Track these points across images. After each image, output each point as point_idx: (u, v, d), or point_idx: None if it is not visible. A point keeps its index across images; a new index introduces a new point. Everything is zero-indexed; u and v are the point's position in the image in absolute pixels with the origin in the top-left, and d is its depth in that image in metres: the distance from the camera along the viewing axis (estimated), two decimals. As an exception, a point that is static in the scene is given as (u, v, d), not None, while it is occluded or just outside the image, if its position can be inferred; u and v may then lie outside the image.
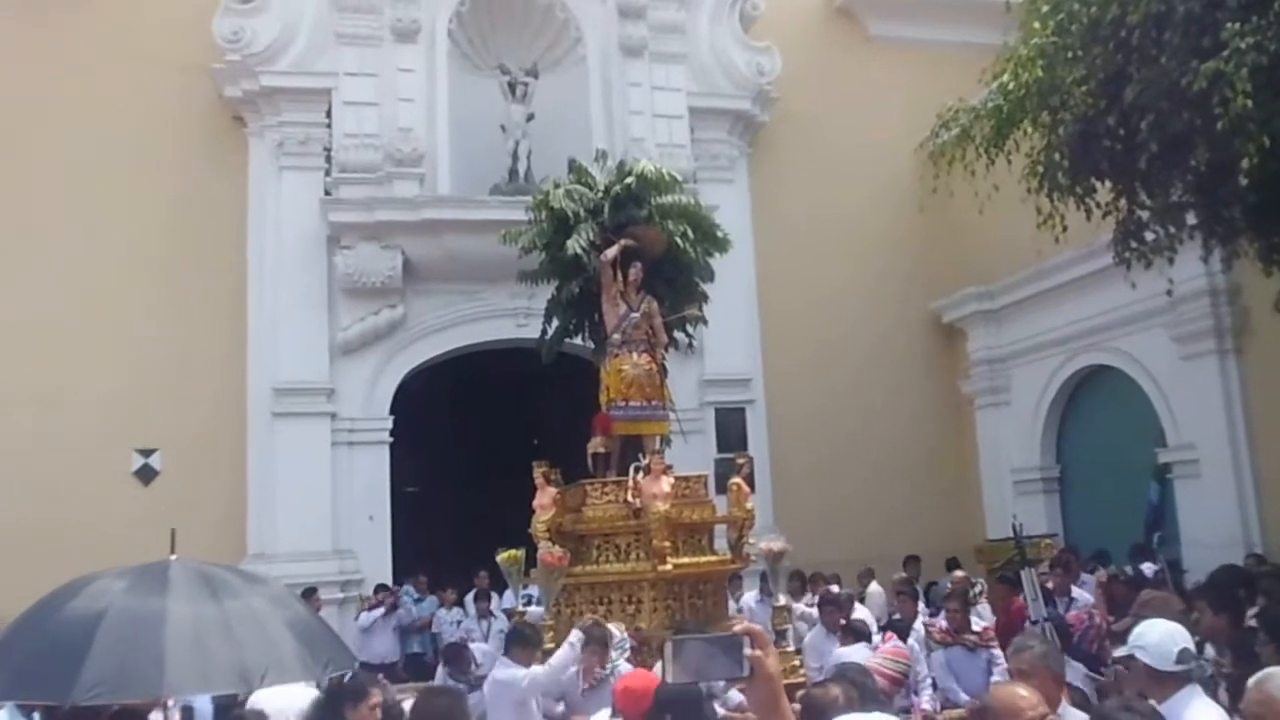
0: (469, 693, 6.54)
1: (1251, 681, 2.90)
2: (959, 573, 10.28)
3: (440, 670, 8.37)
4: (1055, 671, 4.03)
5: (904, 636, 7.74)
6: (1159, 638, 3.85)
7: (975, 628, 7.57)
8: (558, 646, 6.86)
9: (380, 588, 11.69)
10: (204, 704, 6.17)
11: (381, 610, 11.33)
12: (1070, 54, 8.20)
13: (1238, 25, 6.60)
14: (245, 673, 3.61)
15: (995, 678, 6.86)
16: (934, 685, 7.28)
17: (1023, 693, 3.13)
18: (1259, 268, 8.43)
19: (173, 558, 4.05)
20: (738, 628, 2.01)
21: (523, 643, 6.39)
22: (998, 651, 7.08)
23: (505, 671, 6.23)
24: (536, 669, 6.16)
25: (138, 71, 12.68)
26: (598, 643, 6.32)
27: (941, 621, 7.65)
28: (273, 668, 3.68)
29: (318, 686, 4.55)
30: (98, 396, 11.88)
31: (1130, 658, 3.90)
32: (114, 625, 3.55)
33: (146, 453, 12.16)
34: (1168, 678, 3.78)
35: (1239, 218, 7.84)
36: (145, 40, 12.77)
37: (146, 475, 12.16)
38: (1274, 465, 10.44)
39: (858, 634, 7.47)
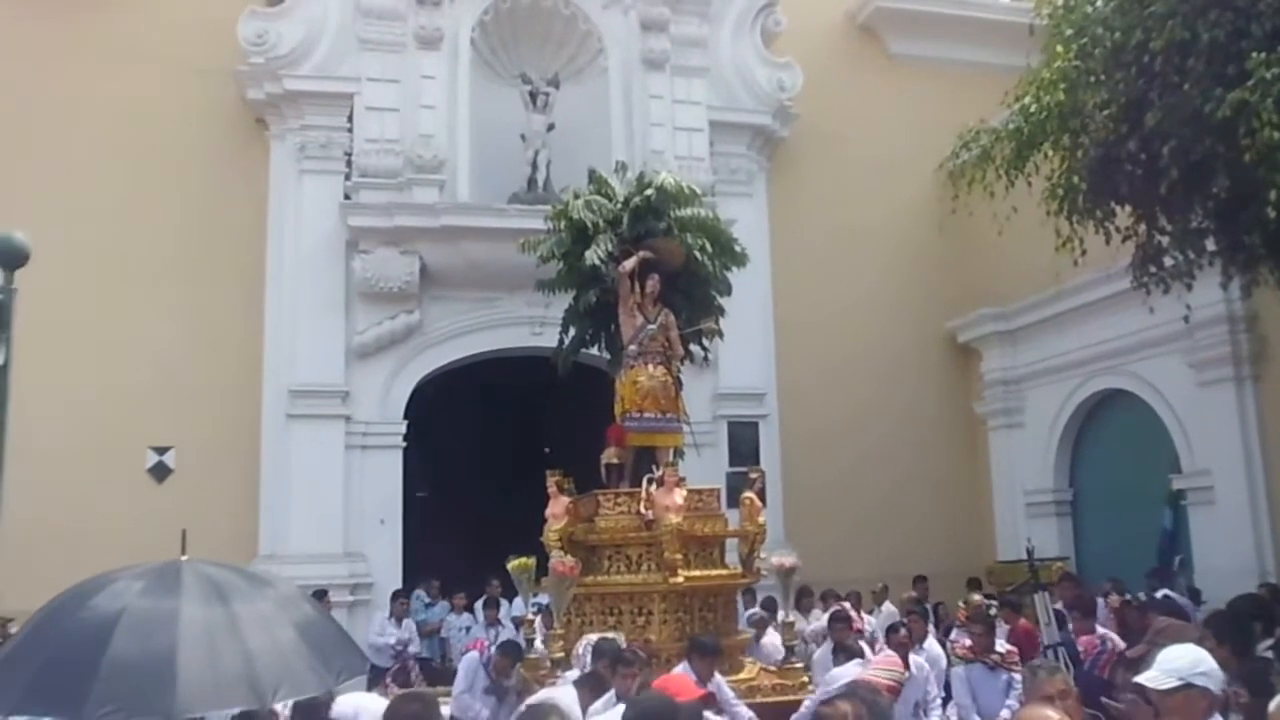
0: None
1: (1273, 705, 2.89)
2: (976, 596, 10.12)
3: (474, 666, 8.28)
4: (1079, 696, 4.05)
5: (906, 653, 7.70)
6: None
7: (999, 649, 7.54)
8: (567, 656, 6.88)
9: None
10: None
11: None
12: (1093, 78, 8.22)
13: (1263, 55, 6.59)
14: (258, 687, 3.50)
15: (1011, 701, 6.84)
16: (943, 705, 7.25)
17: (1053, 715, 3.06)
18: (1278, 296, 8.39)
19: (184, 559, 3.96)
20: None
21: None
22: (1018, 675, 7.05)
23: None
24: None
25: (161, 73, 12.77)
26: (608, 656, 6.31)
27: (966, 639, 7.63)
28: (285, 681, 3.59)
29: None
30: (115, 394, 11.95)
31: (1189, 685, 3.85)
32: (127, 636, 3.46)
33: (161, 450, 12.22)
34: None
35: (1259, 245, 7.82)
36: (169, 42, 12.86)
37: (160, 473, 12.22)
38: (1289, 494, 10.39)
39: (850, 652, 7.40)
